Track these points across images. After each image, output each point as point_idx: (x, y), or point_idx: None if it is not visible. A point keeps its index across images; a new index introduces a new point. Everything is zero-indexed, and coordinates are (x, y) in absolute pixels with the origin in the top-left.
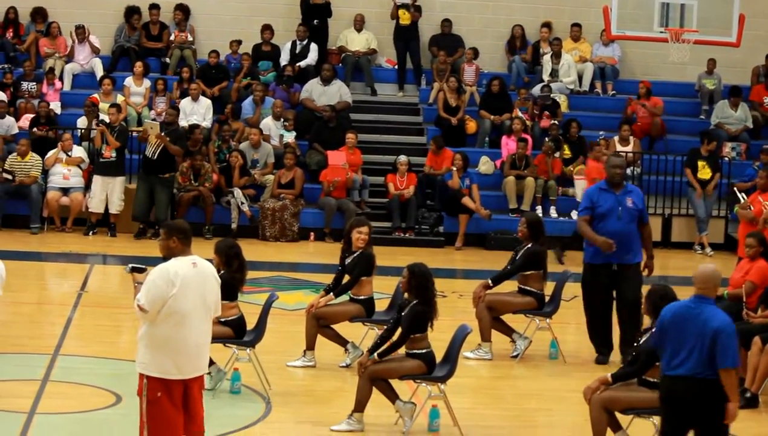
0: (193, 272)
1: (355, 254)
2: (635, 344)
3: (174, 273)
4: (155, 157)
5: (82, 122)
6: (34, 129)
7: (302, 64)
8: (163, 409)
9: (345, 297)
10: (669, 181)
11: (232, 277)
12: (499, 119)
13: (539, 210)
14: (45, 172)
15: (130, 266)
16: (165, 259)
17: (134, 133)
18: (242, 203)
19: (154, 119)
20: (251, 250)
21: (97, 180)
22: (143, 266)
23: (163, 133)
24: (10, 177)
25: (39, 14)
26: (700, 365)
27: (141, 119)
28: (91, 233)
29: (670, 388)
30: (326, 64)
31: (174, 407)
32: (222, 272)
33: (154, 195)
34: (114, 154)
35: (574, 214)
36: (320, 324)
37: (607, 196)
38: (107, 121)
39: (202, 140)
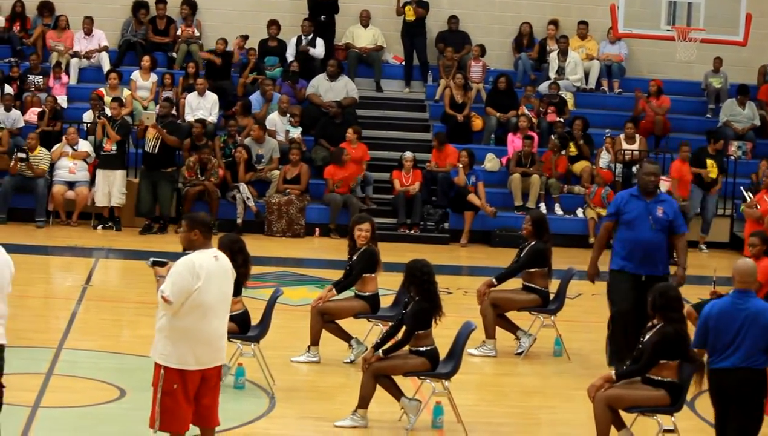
0: (216, 265)
1: (359, 251)
2: (639, 344)
3: (199, 266)
4: (155, 151)
5: (88, 116)
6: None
7: (311, 51)
8: (177, 400)
9: (350, 293)
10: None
11: (237, 272)
12: (506, 117)
13: (543, 207)
14: (51, 166)
15: (152, 259)
16: (184, 251)
17: (137, 128)
18: (248, 199)
19: (146, 108)
20: (257, 245)
21: (100, 173)
22: (164, 260)
23: (159, 126)
24: (23, 155)
25: (46, 8)
26: (753, 355)
27: None
28: (100, 227)
29: (723, 380)
30: (332, 60)
31: (186, 399)
32: None
33: (156, 190)
34: (114, 148)
35: (580, 212)
36: (325, 320)
37: (636, 204)
38: (109, 114)
39: (205, 135)
